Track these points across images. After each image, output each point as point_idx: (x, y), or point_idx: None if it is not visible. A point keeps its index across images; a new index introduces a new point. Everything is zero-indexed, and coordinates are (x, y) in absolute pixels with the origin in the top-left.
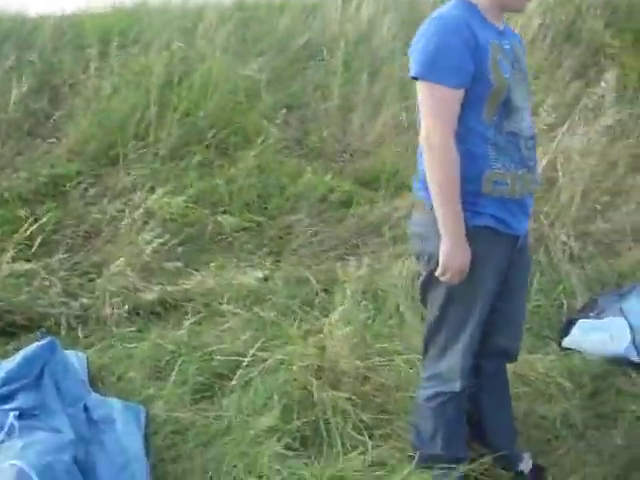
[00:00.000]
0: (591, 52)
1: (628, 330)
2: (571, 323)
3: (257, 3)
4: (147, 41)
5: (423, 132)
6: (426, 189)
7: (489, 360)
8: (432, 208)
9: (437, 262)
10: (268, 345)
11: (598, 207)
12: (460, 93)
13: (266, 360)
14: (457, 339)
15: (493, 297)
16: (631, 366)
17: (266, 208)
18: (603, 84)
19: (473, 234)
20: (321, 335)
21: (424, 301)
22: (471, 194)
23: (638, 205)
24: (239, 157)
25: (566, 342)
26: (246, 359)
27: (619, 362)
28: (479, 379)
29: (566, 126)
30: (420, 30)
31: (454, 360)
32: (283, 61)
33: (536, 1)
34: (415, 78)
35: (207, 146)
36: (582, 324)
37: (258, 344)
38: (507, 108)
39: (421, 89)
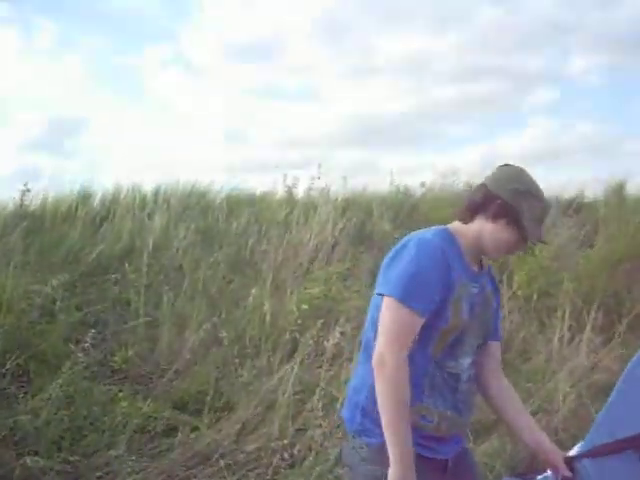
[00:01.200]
0: (384, 253)
1: None
2: None
3: (42, 212)
4: None
5: (379, 350)
6: (349, 411)
7: None
8: (354, 435)
9: None
10: None
11: None
12: (422, 321)
13: None
14: None
15: None
16: None
17: (79, 445)
18: None
19: None
20: None
21: None
22: None
23: None
24: (41, 385)
25: None
26: None
27: None
28: None
29: None
30: (399, 248)
31: None
32: (77, 275)
33: (330, 206)
34: (381, 294)
35: (3, 374)
36: None
37: None
38: (455, 349)
39: (390, 308)
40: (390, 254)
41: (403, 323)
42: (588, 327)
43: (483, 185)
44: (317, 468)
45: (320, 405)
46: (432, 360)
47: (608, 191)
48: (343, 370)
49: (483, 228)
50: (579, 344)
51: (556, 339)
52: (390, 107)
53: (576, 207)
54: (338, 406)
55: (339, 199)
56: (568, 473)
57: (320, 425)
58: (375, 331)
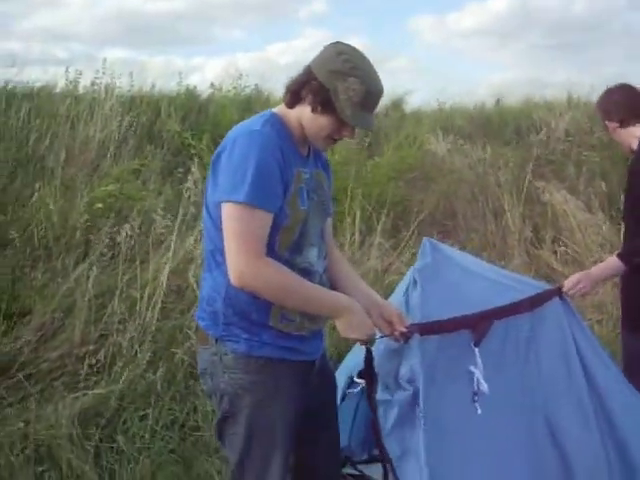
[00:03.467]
0: (173, 153)
1: None
2: None
3: None
4: None
5: (236, 268)
6: (209, 318)
7: None
8: (217, 340)
9: (230, 401)
10: None
11: None
12: (270, 218)
13: None
14: None
15: (295, 432)
16: None
17: None
18: (189, 184)
19: (260, 365)
20: None
21: (222, 442)
22: (257, 324)
23: None
24: None
25: None
26: None
27: None
28: None
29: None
30: (229, 145)
31: None
32: None
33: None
34: (220, 202)
35: None
36: None
37: None
38: (301, 242)
39: (234, 215)
40: (218, 152)
41: (254, 228)
42: (378, 232)
43: (307, 66)
44: (126, 374)
45: (123, 308)
46: (281, 259)
47: (388, 105)
48: (143, 271)
49: (303, 113)
50: (370, 248)
51: (347, 243)
52: (159, 6)
53: None
54: (139, 308)
55: (125, 96)
56: (402, 328)
57: (125, 329)
58: (217, 241)
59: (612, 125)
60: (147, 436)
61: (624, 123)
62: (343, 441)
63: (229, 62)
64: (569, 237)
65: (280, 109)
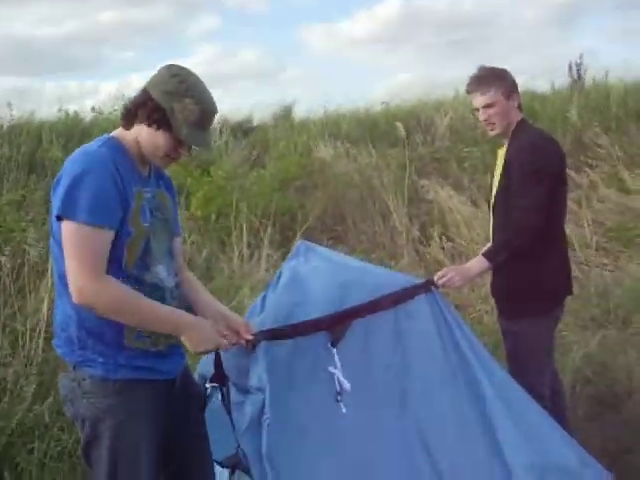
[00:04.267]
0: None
1: None
2: None
3: None
4: None
5: (76, 285)
6: (64, 344)
7: None
8: (74, 367)
9: (90, 425)
10: None
11: None
12: (107, 234)
13: None
14: None
15: (161, 451)
16: None
17: None
18: None
19: (118, 388)
20: None
21: (90, 466)
22: (112, 346)
23: None
24: None
25: None
26: None
27: None
28: None
29: None
30: (67, 166)
31: None
32: None
33: None
34: (60, 218)
35: None
36: None
37: None
38: (147, 259)
39: (72, 232)
40: (57, 177)
41: (93, 245)
42: (266, 243)
43: (143, 87)
44: (15, 408)
45: (6, 343)
46: (129, 276)
47: (276, 115)
48: (27, 302)
49: (140, 132)
50: (259, 260)
51: (236, 257)
52: (48, 31)
53: (245, 130)
54: (22, 342)
55: (5, 126)
56: (249, 336)
57: (10, 363)
58: (62, 266)
59: (499, 95)
60: (34, 470)
61: (511, 97)
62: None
63: (122, 84)
64: (456, 233)
65: (117, 132)
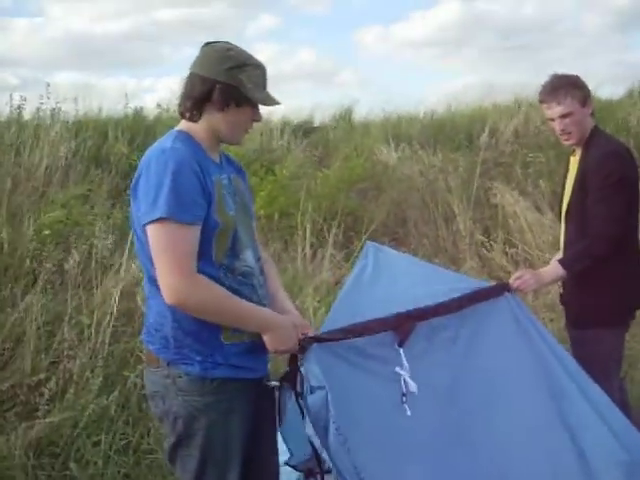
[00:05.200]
0: (122, 176)
1: None
2: None
3: None
4: None
5: (168, 285)
6: (159, 342)
7: None
8: (169, 363)
9: (184, 423)
10: None
11: None
12: (195, 230)
13: None
14: None
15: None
16: None
17: None
18: None
19: (215, 387)
20: None
21: (174, 464)
22: (209, 344)
23: None
24: None
25: None
26: None
27: None
28: None
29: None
30: (144, 168)
31: None
32: None
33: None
34: (144, 225)
35: None
36: None
37: None
38: (236, 247)
39: (159, 233)
40: (136, 178)
41: (180, 243)
42: (330, 244)
43: (195, 75)
44: (80, 400)
45: (73, 335)
46: (220, 267)
47: (336, 116)
48: (92, 296)
49: (211, 120)
50: (322, 260)
51: (299, 257)
52: (107, 28)
53: (306, 131)
54: (89, 334)
55: (70, 121)
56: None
57: (76, 355)
58: (151, 268)
59: (575, 104)
60: (100, 462)
61: (587, 104)
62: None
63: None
64: (520, 238)
65: (183, 125)
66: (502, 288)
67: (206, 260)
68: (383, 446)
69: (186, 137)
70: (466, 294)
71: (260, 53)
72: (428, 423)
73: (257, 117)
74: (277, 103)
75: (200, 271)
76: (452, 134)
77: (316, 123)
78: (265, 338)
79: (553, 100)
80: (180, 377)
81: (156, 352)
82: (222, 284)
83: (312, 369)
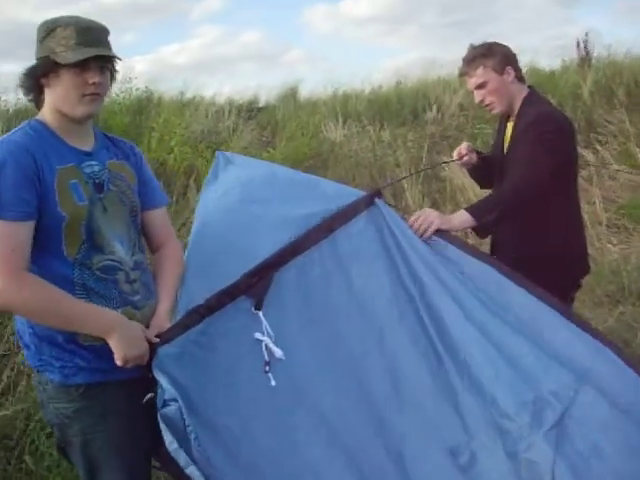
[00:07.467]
0: None
1: None
2: None
3: None
4: None
5: None
6: (24, 348)
7: None
8: (38, 370)
9: (59, 431)
10: None
11: None
12: (21, 227)
13: None
14: None
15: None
16: None
17: None
18: None
19: (82, 393)
20: None
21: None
22: (66, 348)
23: None
24: None
25: None
26: None
27: None
28: None
29: None
30: None
31: None
32: None
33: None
34: None
35: None
36: None
37: None
38: (94, 240)
39: None
40: None
41: (4, 240)
42: None
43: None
44: (32, 392)
45: None
46: (73, 263)
47: (282, 96)
48: None
49: (49, 99)
50: None
51: None
52: (50, 15)
53: (251, 111)
54: None
55: (10, 110)
56: (153, 338)
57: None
58: None
59: (489, 72)
60: (55, 453)
61: (505, 70)
62: None
63: (125, 66)
64: None
65: (40, 114)
66: (372, 196)
67: (55, 255)
68: (259, 433)
69: (37, 125)
70: (328, 218)
71: (204, 36)
72: (304, 390)
73: (89, 76)
74: (91, 54)
75: (47, 267)
76: (398, 109)
77: (261, 103)
78: (111, 344)
79: (467, 72)
80: (47, 384)
81: (26, 358)
82: (72, 281)
83: (160, 380)
